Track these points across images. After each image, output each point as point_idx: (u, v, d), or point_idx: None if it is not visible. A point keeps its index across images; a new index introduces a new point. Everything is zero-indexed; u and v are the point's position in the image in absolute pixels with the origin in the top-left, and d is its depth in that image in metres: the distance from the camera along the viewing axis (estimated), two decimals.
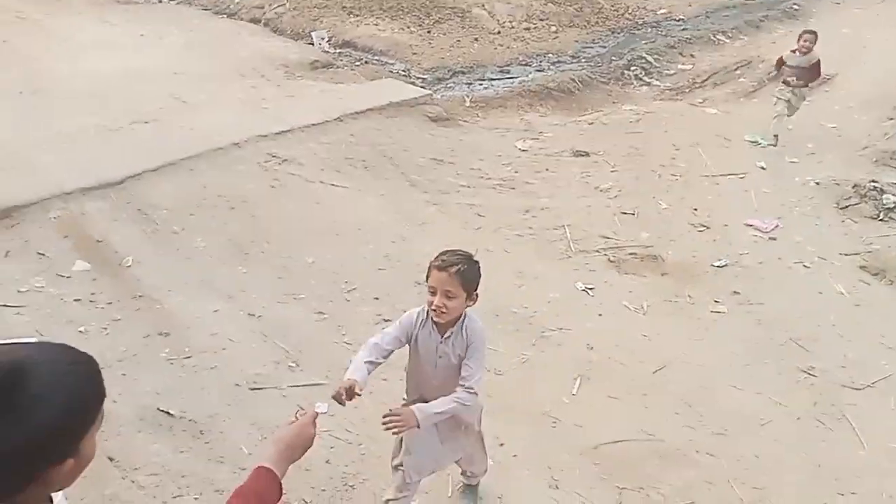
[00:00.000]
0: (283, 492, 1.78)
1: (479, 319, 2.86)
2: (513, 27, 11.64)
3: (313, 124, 7.21)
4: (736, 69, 10.29)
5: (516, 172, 7.10)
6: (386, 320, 4.74)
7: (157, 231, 5.47)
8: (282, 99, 8.10)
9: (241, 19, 11.98)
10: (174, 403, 3.90)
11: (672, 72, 10.31)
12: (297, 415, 1.98)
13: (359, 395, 2.59)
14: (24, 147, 6.25)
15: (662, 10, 13.59)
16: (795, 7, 14.10)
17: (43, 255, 4.99)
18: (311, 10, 11.63)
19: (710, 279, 5.38)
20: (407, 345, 2.84)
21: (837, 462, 3.77)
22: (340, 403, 2.57)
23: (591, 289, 5.28)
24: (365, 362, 2.73)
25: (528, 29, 11.63)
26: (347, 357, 4.35)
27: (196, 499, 3.35)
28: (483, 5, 12.01)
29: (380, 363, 2.78)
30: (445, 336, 2.78)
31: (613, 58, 10.67)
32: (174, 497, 3.34)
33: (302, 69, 9.44)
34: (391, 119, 7.77)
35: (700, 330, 4.85)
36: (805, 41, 7.57)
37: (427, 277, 2.72)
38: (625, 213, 6.29)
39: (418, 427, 2.65)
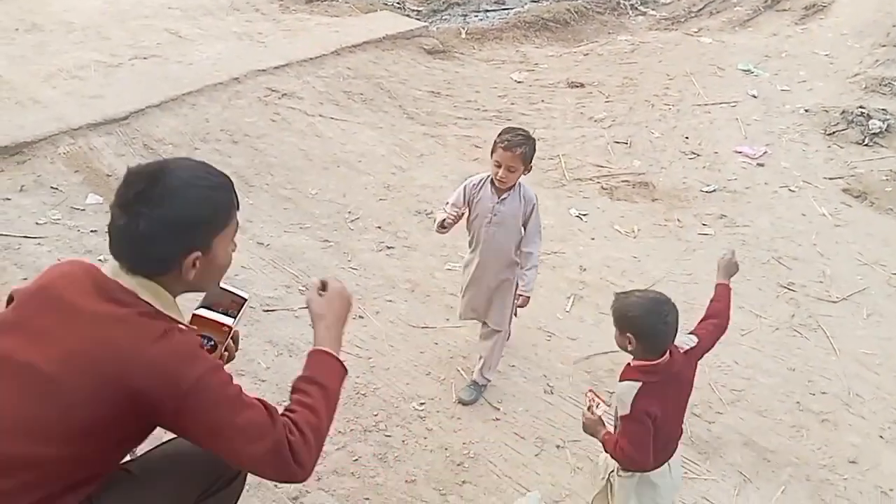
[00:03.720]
0: (345, 366, 1.93)
1: (530, 187, 3.47)
2: None
3: (310, 58, 7.26)
4: None
5: (512, 104, 7.21)
6: (389, 247, 5.00)
7: None
8: (278, 33, 8.10)
9: None
10: None
11: (668, 1, 10.24)
12: (306, 286, 2.06)
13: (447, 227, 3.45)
14: (28, 84, 6.32)
15: None
16: None
17: (56, 189, 5.16)
18: None
19: (699, 204, 5.61)
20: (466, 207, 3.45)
21: (810, 367, 4.09)
22: (443, 229, 3.46)
23: (584, 215, 5.50)
24: (450, 221, 3.44)
25: None
26: (354, 281, 4.64)
27: None
28: None
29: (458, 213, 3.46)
30: (502, 198, 3.35)
31: None
32: None
33: (296, 2, 9.36)
34: (387, 52, 7.81)
35: (688, 251, 5.10)
36: None
37: (492, 154, 3.27)
38: (618, 143, 6.45)
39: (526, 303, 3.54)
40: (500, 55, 8.33)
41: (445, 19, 9.45)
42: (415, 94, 7.15)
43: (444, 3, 9.87)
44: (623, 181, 5.92)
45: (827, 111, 6.85)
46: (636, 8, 9.89)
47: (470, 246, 3.61)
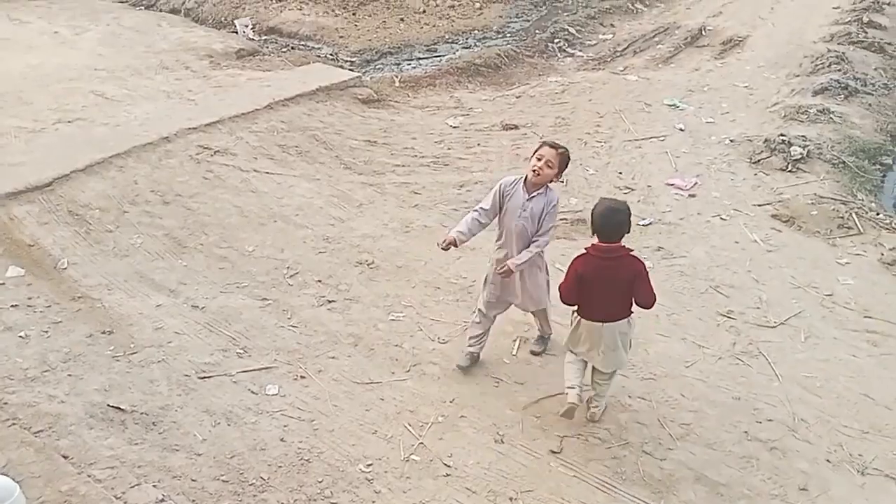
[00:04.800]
0: None
1: (556, 191, 3.93)
2: (437, 6, 11.72)
3: (243, 114, 7.20)
4: (654, 36, 10.66)
5: (449, 149, 7.26)
6: (330, 301, 4.88)
7: (90, 231, 5.42)
8: (208, 90, 8.02)
9: (160, 10, 11.71)
10: (124, 398, 3.95)
11: (594, 42, 10.61)
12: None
13: (456, 246, 3.95)
14: None
15: None
16: None
17: None
18: None
19: (636, 238, 5.67)
20: (498, 210, 3.93)
21: (754, 394, 4.12)
22: (444, 249, 3.94)
23: None
24: (472, 219, 3.93)
25: (452, 7, 11.74)
26: (294, 340, 4.50)
27: (155, 486, 3.43)
28: None
29: (483, 223, 3.97)
30: (531, 195, 3.83)
31: (537, 31, 10.91)
32: (132, 486, 3.42)
33: (227, 58, 9.33)
34: (322, 103, 7.81)
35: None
36: None
37: (536, 150, 3.81)
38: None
39: (513, 272, 3.89)
40: (435, 101, 8.42)
41: (379, 68, 9.54)
42: (351, 144, 7.13)
43: (376, 53, 9.99)
44: (561, 220, 5.95)
45: (751, 140, 7.11)
46: (564, 50, 10.19)
47: (498, 240, 4.03)
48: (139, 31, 10.33)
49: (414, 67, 9.53)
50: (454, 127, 7.77)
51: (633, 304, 3.62)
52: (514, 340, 4.53)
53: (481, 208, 3.96)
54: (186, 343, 4.39)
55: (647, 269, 3.62)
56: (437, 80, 8.96)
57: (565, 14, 11.72)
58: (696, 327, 4.65)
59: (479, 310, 4.21)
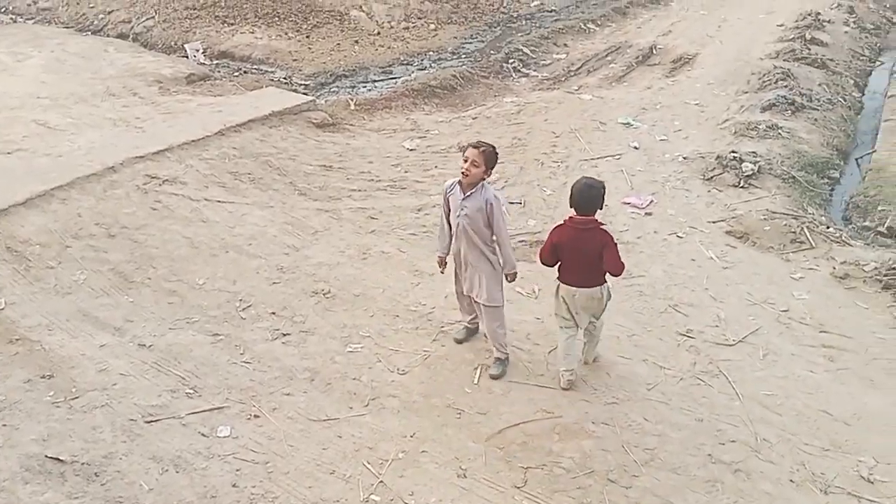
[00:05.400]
0: None
1: (492, 189, 4.18)
2: (392, 28, 11.72)
3: (193, 140, 7.02)
4: (606, 55, 10.83)
5: (406, 172, 7.19)
6: (285, 334, 4.72)
7: (30, 268, 5.17)
8: (157, 117, 7.81)
9: (108, 35, 11.45)
10: (64, 448, 3.73)
11: (548, 62, 10.71)
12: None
13: (446, 263, 4.41)
14: None
15: (535, 3, 14.09)
16: None
17: None
18: (182, 22, 11.26)
19: None
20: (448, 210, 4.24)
21: (716, 415, 4.10)
22: (443, 266, 4.42)
23: None
24: (443, 233, 4.33)
25: (407, 28, 11.75)
26: (248, 377, 4.32)
27: None
28: (361, 7, 12.03)
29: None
30: (467, 195, 4.08)
31: (492, 52, 10.98)
32: None
33: (177, 84, 9.14)
34: (275, 128, 7.67)
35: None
36: None
37: (463, 152, 4.07)
38: (512, 203, 6.50)
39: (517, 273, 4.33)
40: (391, 124, 8.36)
41: (333, 92, 9.45)
42: (306, 170, 7.00)
43: (331, 75, 9.90)
44: (520, 241, 5.92)
45: (703, 157, 7.21)
46: (519, 70, 10.26)
47: (453, 237, 4.28)
48: (85, 57, 10.06)
49: (369, 90, 9.47)
50: (411, 149, 7.70)
51: (606, 274, 4.05)
52: (476, 369, 4.44)
53: (442, 216, 4.33)
54: (132, 385, 4.18)
55: (615, 241, 4.01)
56: (393, 103, 8.91)
57: (519, 35, 11.85)
58: (657, 348, 4.63)
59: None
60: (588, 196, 3.91)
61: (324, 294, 5.16)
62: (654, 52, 10.90)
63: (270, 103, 8.11)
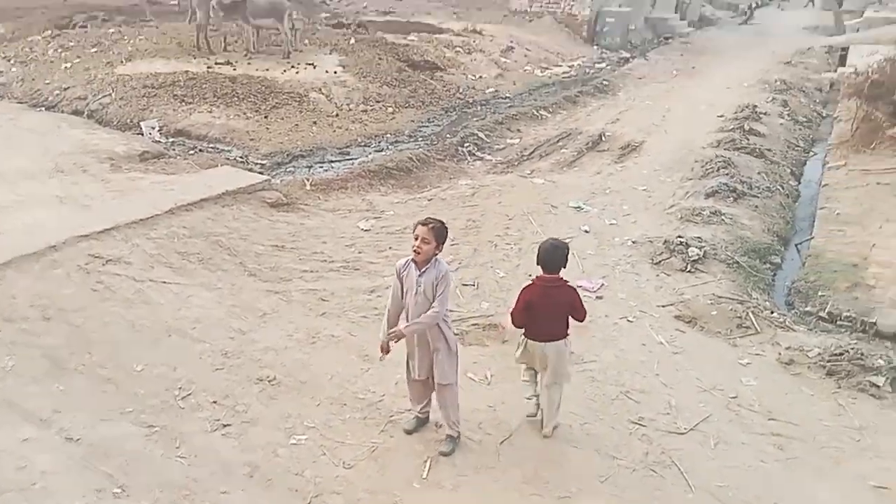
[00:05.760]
0: None
1: (446, 263, 4.22)
2: (351, 110, 11.96)
3: (141, 219, 6.89)
4: (558, 141, 11.22)
5: (360, 253, 7.15)
6: (225, 425, 4.51)
7: None
8: (106, 194, 7.69)
9: (62, 111, 11.39)
10: None
11: (502, 146, 11.02)
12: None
13: (390, 349, 4.25)
14: None
15: (490, 89, 14.65)
16: (605, 83, 15.77)
17: None
18: (139, 100, 11.29)
19: None
20: (401, 291, 4.19)
21: None
22: (385, 353, 4.26)
23: None
24: (391, 315, 4.24)
25: (365, 111, 12.01)
26: (183, 473, 4.08)
27: None
28: (320, 89, 12.29)
29: (398, 311, 4.23)
30: (422, 272, 4.10)
31: (448, 135, 11.27)
32: None
33: (130, 161, 9.06)
34: (228, 207, 7.60)
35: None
36: None
37: (414, 230, 4.11)
38: (465, 285, 6.51)
39: (403, 335, 4.15)
40: (346, 204, 8.39)
41: (290, 171, 9.49)
42: (257, 250, 6.91)
43: (287, 155, 9.97)
44: (473, 325, 5.89)
45: (651, 241, 7.39)
46: (474, 154, 10.52)
47: (406, 319, 4.20)
48: (37, 132, 9.95)
49: (326, 170, 9.54)
50: (366, 230, 7.71)
51: (569, 326, 4.39)
52: (425, 461, 4.28)
53: (391, 298, 4.26)
54: (55, 484, 3.89)
55: (580, 296, 4.38)
56: (350, 183, 8.97)
57: (475, 119, 12.22)
58: (609, 437, 4.56)
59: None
60: (554, 255, 4.25)
61: (269, 381, 4.98)
62: (604, 139, 11.35)
63: (224, 182, 8.08)
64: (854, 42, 19.87)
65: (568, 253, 4.30)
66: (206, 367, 5.07)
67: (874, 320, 5.93)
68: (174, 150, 9.95)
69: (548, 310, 4.27)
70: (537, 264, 4.31)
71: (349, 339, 5.60)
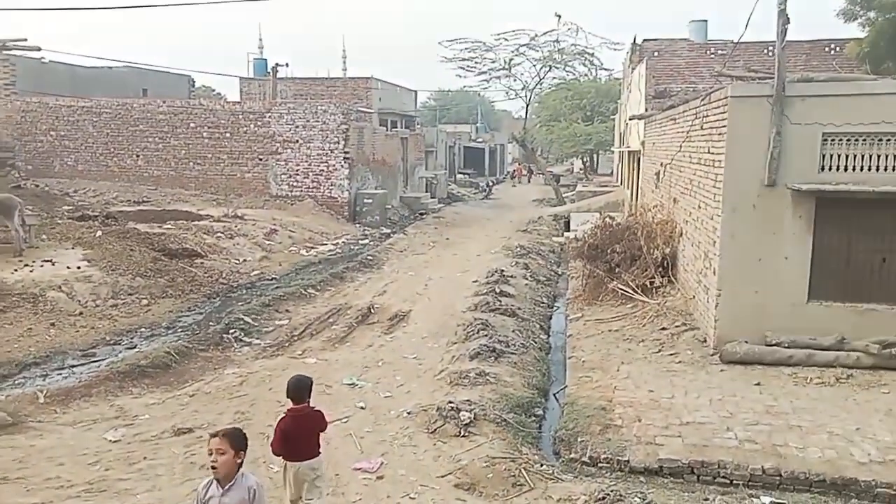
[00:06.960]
0: None
1: (253, 476, 3.94)
2: (97, 306, 10.98)
3: None
4: (328, 318, 11.29)
5: (107, 470, 6.24)
6: None
7: None
8: None
9: None
10: None
11: (271, 328, 10.78)
12: None
13: None
14: None
15: (256, 272, 14.54)
16: (370, 258, 16.59)
17: None
18: None
19: None
20: None
21: None
22: None
23: None
24: None
25: (115, 306, 11.10)
26: None
27: None
28: (60, 287, 11.16)
29: None
30: (226, 489, 3.79)
31: (211, 323, 10.76)
32: None
33: None
34: None
35: None
36: None
37: (207, 444, 3.86)
38: None
39: None
40: (91, 414, 7.40)
41: (19, 384, 8.20)
42: None
43: (17, 365, 8.67)
44: None
45: (425, 410, 7.50)
46: (240, 339, 10.10)
47: None
48: None
49: (65, 377, 8.43)
50: (114, 441, 6.80)
51: (320, 446, 5.06)
52: None
53: None
54: None
55: (324, 415, 5.16)
56: (94, 389, 7.99)
57: (240, 304, 11.89)
58: None
59: None
60: (298, 388, 5.07)
61: None
62: (373, 311, 11.69)
63: None
64: (572, 211, 23.65)
65: (311, 384, 5.14)
66: None
67: (627, 458, 6.50)
68: None
69: (300, 434, 4.97)
70: (287, 397, 5.08)
71: None
